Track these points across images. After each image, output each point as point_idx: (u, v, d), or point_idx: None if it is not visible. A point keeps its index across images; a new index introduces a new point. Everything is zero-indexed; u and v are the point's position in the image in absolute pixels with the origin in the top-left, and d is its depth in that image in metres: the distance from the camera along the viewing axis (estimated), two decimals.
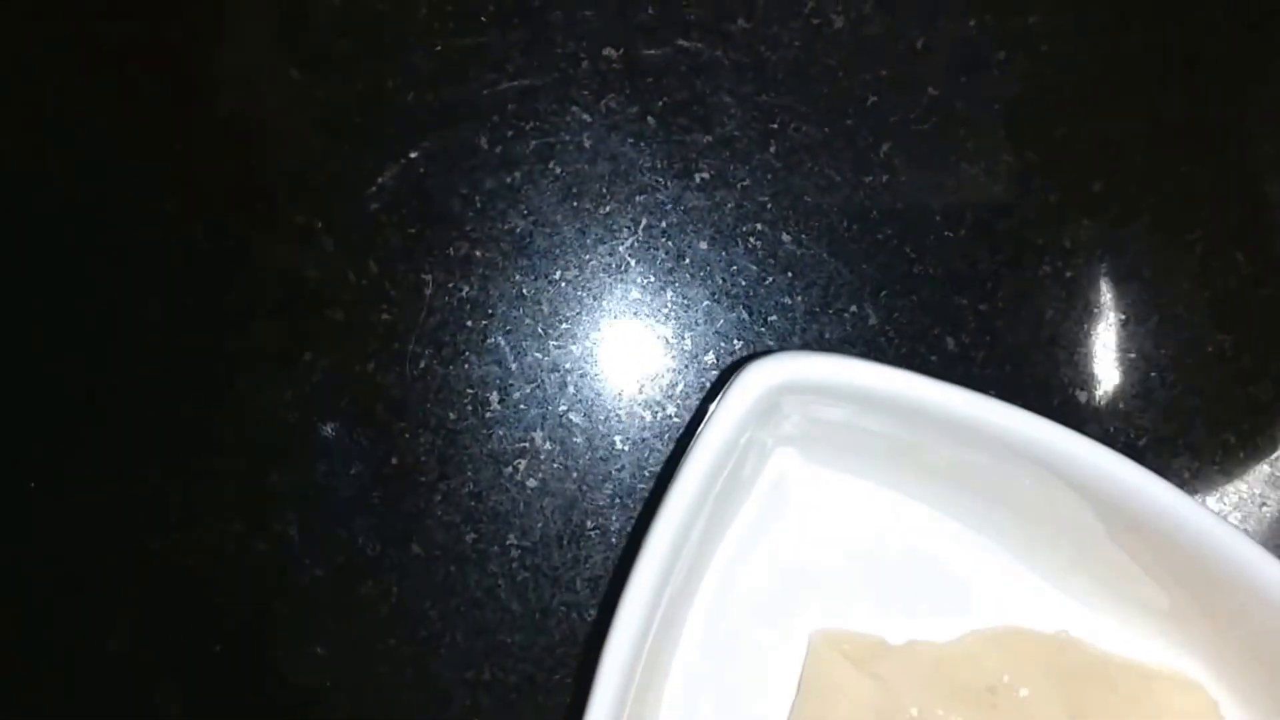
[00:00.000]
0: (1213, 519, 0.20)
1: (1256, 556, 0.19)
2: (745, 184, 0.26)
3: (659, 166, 0.26)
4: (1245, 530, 0.26)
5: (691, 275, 0.26)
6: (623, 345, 0.26)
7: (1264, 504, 0.27)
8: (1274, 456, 0.27)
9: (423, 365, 0.26)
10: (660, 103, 0.26)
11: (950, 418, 0.20)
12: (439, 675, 0.26)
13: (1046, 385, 0.26)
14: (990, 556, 0.24)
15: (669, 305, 0.26)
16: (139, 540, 0.26)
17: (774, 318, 0.26)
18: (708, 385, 0.26)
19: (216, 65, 0.26)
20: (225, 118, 0.26)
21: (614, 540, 0.26)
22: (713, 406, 0.21)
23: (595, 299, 0.26)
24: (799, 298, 0.26)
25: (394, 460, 0.26)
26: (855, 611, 0.24)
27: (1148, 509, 0.20)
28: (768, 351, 0.26)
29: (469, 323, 0.26)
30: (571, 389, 0.26)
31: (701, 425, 0.21)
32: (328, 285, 0.26)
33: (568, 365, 0.26)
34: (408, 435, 0.26)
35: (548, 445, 0.26)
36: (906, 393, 0.20)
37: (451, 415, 0.26)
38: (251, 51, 0.26)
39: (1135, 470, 0.20)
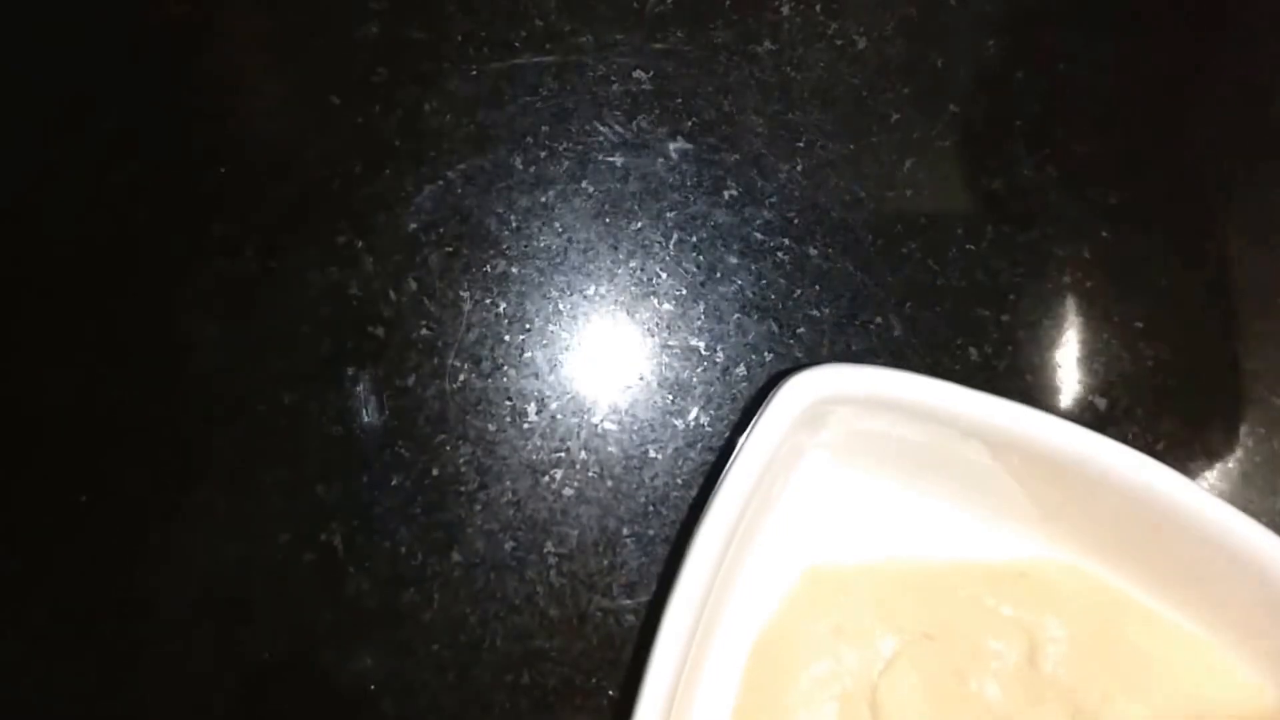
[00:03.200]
0: (1225, 508, 0.21)
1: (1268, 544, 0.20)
2: (773, 200, 0.27)
3: (689, 184, 0.27)
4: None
5: (722, 289, 0.27)
6: (655, 357, 0.27)
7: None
8: None
9: (462, 379, 0.27)
10: (690, 123, 0.27)
11: (985, 424, 0.21)
12: (480, 679, 0.27)
13: (1067, 392, 0.27)
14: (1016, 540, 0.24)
15: (700, 318, 0.27)
16: (190, 552, 0.27)
17: (802, 329, 0.27)
18: (739, 395, 0.27)
19: (261, 93, 0.27)
20: (270, 143, 0.27)
21: (649, 547, 0.27)
22: (756, 418, 0.22)
23: (628, 313, 0.27)
24: (826, 310, 0.27)
25: (435, 471, 0.27)
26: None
27: (1176, 506, 0.21)
28: (797, 363, 0.27)
29: (506, 337, 0.27)
30: (606, 400, 0.27)
31: (744, 436, 0.22)
32: (369, 303, 0.27)
33: (602, 377, 0.27)
34: (448, 447, 0.27)
35: (583, 455, 0.27)
36: (942, 401, 0.21)
37: (490, 427, 0.27)
38: (294, 79, 0.27)
39: (1167, 473, 0.21)
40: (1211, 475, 0.27)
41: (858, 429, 0.23)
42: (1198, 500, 0.20)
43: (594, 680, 0.27)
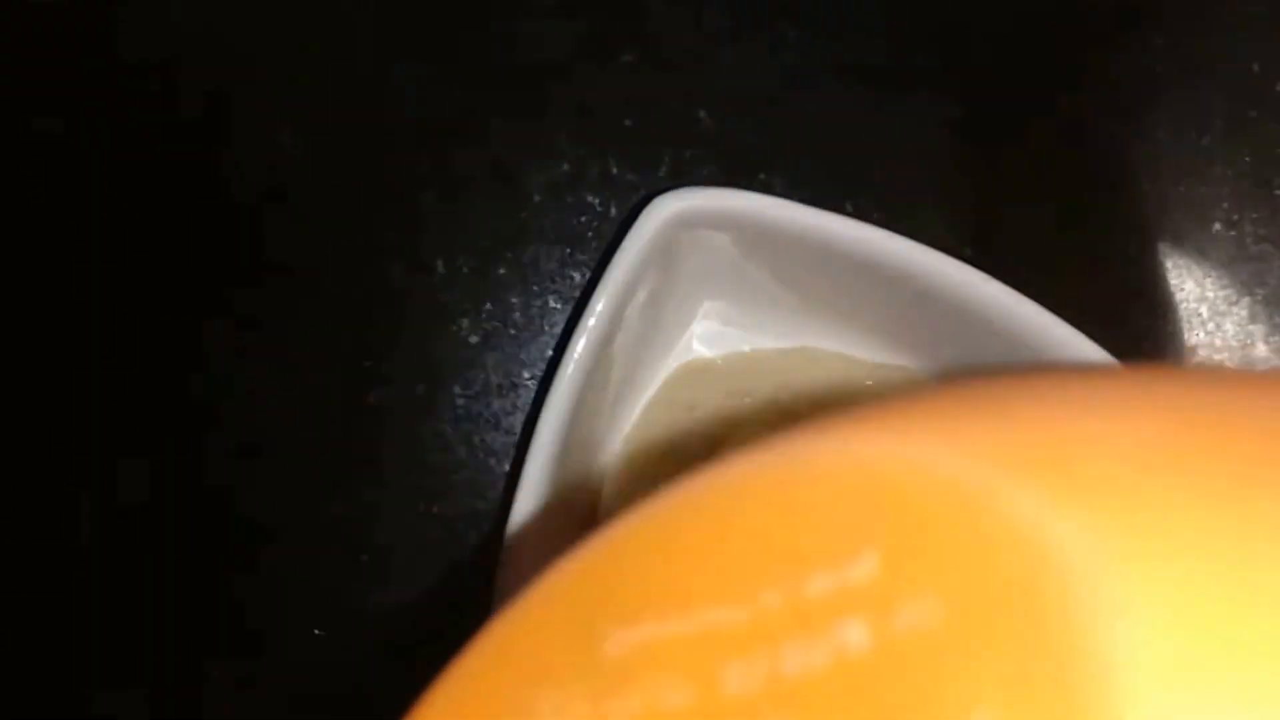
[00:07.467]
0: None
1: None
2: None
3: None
4: None
5: (613, 149, 0.29)
6: (553, 215, 0.29)
7: None
8: None
9: None
10: None
11: (831, 243, 0.23)
12: (394, 512, 0.29)
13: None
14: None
15: (595, 178, 0.29)
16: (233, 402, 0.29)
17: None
18: None
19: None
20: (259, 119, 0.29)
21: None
22: (619, 244, 0.24)
23: (523, 174, 0.30)
24: (713, 167, 0.29)
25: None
26: None
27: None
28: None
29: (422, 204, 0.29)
30: (506, 252, 0.29)
31: (610, 261, 0.24)
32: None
33: (502, 232, 0.29)
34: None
35: (488, 305, 0.29)
36: (791, 220, 0.23)
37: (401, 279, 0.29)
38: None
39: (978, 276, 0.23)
40: None
41: (720, 245, 0.25)
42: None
43: (497, 506, 0.29)
